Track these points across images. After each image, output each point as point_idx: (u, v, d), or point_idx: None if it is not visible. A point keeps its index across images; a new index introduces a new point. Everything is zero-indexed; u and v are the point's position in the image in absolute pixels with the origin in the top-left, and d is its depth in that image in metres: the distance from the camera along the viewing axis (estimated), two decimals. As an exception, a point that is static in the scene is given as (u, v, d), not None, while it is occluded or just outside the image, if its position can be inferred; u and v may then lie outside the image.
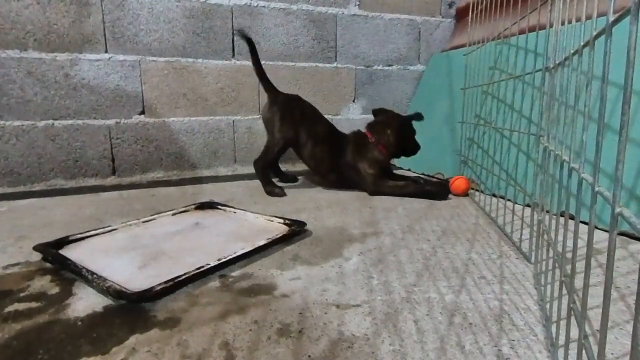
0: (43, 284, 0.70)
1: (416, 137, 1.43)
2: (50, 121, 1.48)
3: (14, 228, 1.01)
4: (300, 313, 0.60)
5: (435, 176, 1.61)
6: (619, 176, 0.28)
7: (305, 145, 1.40)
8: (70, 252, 0.80)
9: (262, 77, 1.42)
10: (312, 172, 1.50)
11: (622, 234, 0.89)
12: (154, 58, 1.57)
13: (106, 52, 1.51)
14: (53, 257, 0.78)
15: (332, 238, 0.92)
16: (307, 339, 0.53)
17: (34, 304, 0.63)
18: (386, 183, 1.36)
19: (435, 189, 1.31)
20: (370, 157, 1.37)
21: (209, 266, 0.72)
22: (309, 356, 0.50)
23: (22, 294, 0.66)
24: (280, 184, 1.45)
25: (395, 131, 1.38)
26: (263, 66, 1.42)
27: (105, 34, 1.50)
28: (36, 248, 0.81)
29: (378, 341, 0.53)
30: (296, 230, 0.93)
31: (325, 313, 0.60)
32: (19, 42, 1.40)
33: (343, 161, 1.39)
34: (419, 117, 1.36)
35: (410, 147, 1.42)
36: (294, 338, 0.54)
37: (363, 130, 1.42)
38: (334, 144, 1.41)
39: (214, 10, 1.62)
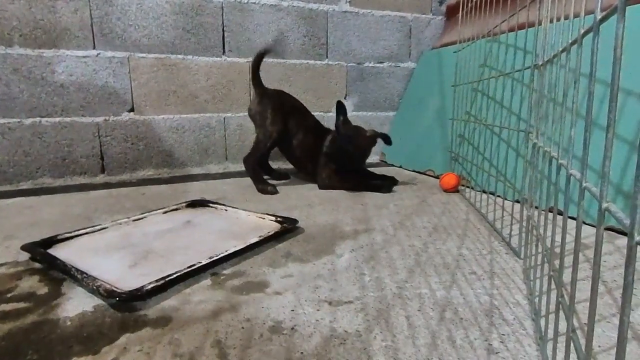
0: (31, 284, 0.69)
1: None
2: (37, 119, 1.45)
3: (0, 227, 0.99)
4: (293, 310, 0.60)
5: (427, 173, 1.62)
6: (606, 172, 0.29)
7: (295, 135, 1.42)
8: (59, 252, 0.79)
9: (257, 71, 1.44)
10: (294, 161, 1.51)
11: (609, 229, 0.91)
12: (143, 54, 1.55)
13: (94, 48, 1.48)
14: (41, 256, 0.77)
15: (324, 235, 0.92)
16: (299, 336, 0.53)
17: (22, 305, 0.62)
18: (336, 177, 1.39)
19: (380, 183, 1.37)
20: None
21: (200, 264, 0.71)
22: (302, 353, 0.50)
23: (9, 295, 0.65)
24: (272, 182, 1.44)
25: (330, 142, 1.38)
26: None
27: (93, 30, 1.47)
28: (24, 247, 0.80)
29: (370, 337, 0.53)
30: (288, 228, 0.93)
31: (318, 310, 0.60)
32: (4, 38, 1.37)
33: (320, 153, 1.43)
34: (342, 110, 1.39)
35: (348, 156, 1.37)
36: (287, 335, 0.54)
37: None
38: (318, 134, 1.45)
39: (204, 7, 1.60)
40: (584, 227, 0.91)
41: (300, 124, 1.43)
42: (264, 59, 1.45)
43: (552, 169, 0.53)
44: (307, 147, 1.44)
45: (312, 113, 1.52)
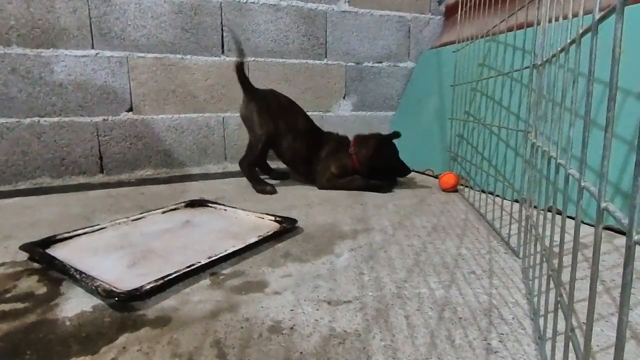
0: (30, 284, 0.69)
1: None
2: (36, 119, 1.45)
3: (-1, 227, 0.99)
4: (292, 310, 0.60)
5: (426, 172, 1.62)
6: (604, 172, 0.29)
7: (284, 136, 1.40)
8: (58, 252, 0.79)
9: (242, 73, 1.41)
10: (285, 162, 1.50)
11: (607, 228, 0.91)
12: (142, 54, 1.55)
13: (93, 48, 1.48)
14: (40, 256, 0.77)
15: (323, 235, 0.92)
16: (298, 336, 0.53)
17: (20, 305, 0.62)
18: (336, 178, 1.39)
19: (379, 183, 1.37)
20: (341, 162, 1.39)
21: (199, 264, 0.71)
22: (301, 353, 0.50)
23: (8, 295, 0.65)
24: (271, 181, 1.44)
25: (372, 148, 1.38)
26: (252, 63, 1.42)
27: (91, 30, 1.47)
28: (22, 248, 0.80)
29: (369, 337, 0.53)
30: (287, 228, 0.93)
31: (317, 310, 0.60)
32: (2, 38, 1.37)
33: (318, 156, 1.42)
34: (395, 135, 1.38)
35: (391, 167, 1.41)
36: (286, 335, 0.54)
37: (351, 138, 1.44)
38: (313, 137, 1.44)
39: (203, 6, 1.60)
40: (583, 226, 0.91)
41: (290, 126, 1.40)
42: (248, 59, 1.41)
43: (550, 169, 0.53)
44: (298, 149, 1.41)
45: (310, 113, 1.51)
